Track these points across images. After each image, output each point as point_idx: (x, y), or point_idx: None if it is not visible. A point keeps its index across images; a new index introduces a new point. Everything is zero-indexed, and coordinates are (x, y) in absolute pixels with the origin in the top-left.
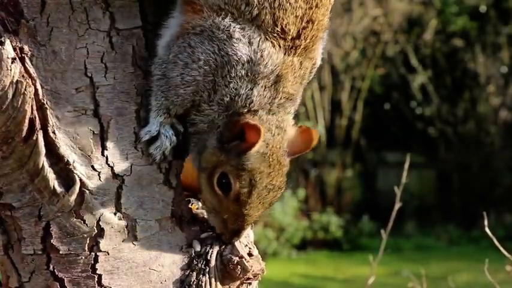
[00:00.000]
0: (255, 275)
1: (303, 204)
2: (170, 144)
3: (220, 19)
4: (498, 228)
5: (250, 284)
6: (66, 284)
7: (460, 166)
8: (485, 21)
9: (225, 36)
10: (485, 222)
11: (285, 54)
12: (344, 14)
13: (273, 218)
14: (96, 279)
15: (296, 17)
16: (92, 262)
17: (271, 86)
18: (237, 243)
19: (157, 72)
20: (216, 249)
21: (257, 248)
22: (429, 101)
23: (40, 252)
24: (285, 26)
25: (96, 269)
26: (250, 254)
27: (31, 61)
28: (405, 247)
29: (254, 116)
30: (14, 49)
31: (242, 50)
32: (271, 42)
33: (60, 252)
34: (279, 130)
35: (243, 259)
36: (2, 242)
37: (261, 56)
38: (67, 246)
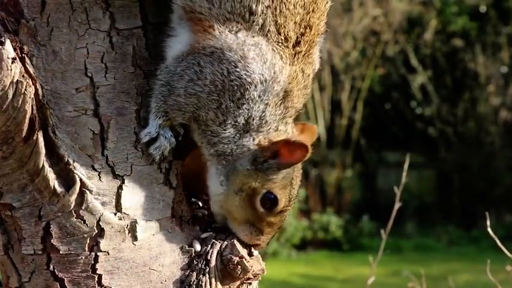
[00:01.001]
0: (255, 275)
1: (303, 204)
2: (170, 145)
3: (233, 36)
4: (498, 228)
5: (250, 284)
6: (66, 284)
7: (460, 166)
8: (485, 21)
9: (238, 57)
10: (488, 223)
11: (290, 64)
12: (344, 14)
13: None
14: (96, 279)
15: (295, 23)
16: (92, 262)
17: (280, 103)
18: (237, 243)
19: (162, 79)
20: (216, 249)
21: None
22: (429, 101)
23: (40, 252)
24: (287, 34)
25: (96, 269)
26: (250, 254)
27: (31, 61)
28: (405, 247)
29: (277, 132)
30: (14, 49)
31: (256, 70)
32: (279, 54)
33: (60, 252)
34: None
35: (243, 259)
36: (2, 242)
37: (274, 73)
38: (67, 246)
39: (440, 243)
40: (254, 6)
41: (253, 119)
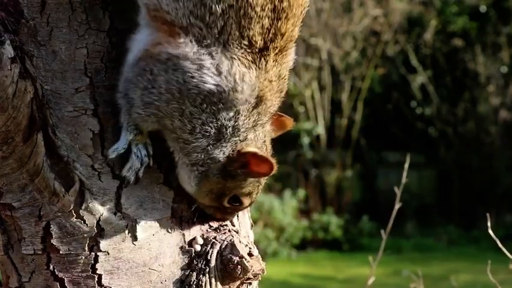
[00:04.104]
0: (255, 275)
1: (303, 204)
2: (141, 165)
3: (192, 44)
4: (498, 228)
5: (250, 284)
6: (66, 284)
7: (460, 166)
8: (485, 21)
9: (196, 67)
10: (488, 224)
11: (257, 69)
12: (344, 14)
13: (273, 218)
14: (96, 279)
15: (262, 27)
16: (92, 262)
17: (252, 110)
18: (237, 243)
19: (121, 90)
20: (216, 249)
21: (257, 248)
22: (429, 101)
23: (40, 252)
24: (252, 38)
25: (96, 269)
26: (250, 254)
27: (31, 61)
28: (405, 247)
29: (245, 141)
30: (14, 49)
31: (211, 81)
32: (241, 61)
33: (60, 252)
34: (267, 136)
35: (243, 259)
36: (2, 242)
37: (234, 82)
38: (67, 246)
39: (440, 243)
40: (214, 6)
41: (225, 128)
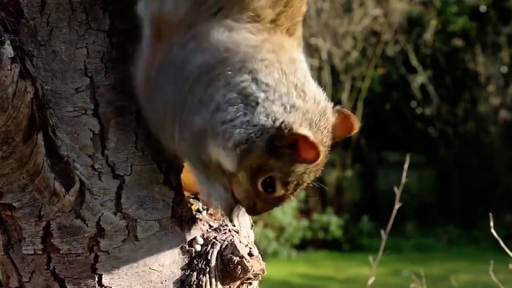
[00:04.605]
0: (255, 275)
1: (303, 204)
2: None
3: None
4: (498, 228)
5: (250, 284)
6: (66, 284)
7: (460, 166)
8: (485, 21)
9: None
10: (491, 223)
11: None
12: (344, 14)
13: (273, 218)
14: (96, 279)
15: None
16: (92, 262)
17: (278, 72)
18: (237, 243)
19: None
20: (216, 249)
21: (257, 248)
22: (429, 101)
23: (40, 252)
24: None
25: (97, 268)
26: (250, 254)
27: (31, 61)
28: (405, 247)
29: (303, 122)
30: (14, 49)
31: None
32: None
33: (61, 252)
34: (324, 122)
35: (244, 259)
36: (2, 242)
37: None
38: (67, 246)
39: (440, 243)
40: None
41: (248, 91)
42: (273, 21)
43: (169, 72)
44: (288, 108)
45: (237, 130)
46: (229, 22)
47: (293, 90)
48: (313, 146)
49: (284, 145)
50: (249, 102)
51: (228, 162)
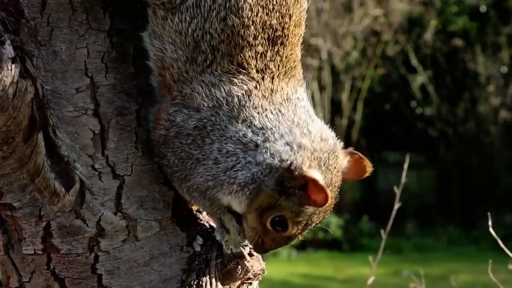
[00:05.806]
0: (255, 275)
1: None
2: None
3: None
4: (498, 228)
5: (250, 284)
6: (66, 284)
7: (460, 166)
8: (485, 21)
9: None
10: (489, 223)
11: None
12: (344, 14)
13: None
14: (96, 279)
15: (257, 52)
16: (93, 262)
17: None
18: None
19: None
20: (216, 249)
21: None
22: (429, 101)
23: (40, 252)
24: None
25: (97, 268)
26: (250, 254)
27: (31, 61)
28: (405, 247)
29: (312, 162)
30: (15, 49)
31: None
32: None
33: (61, 252)
34: (333, 161)
35: (244, 259)
36: (3, 242)
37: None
38: (68, 246)
39: (440, 243)
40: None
41: (246, 136)
42: (262, 70)
43: (169, 142)
44: (295, 148)
45: (240, 172)
46: (214, 78)
47: (296, 129)
48: (322, 190)
49: (293, 186)
50: (248, 147)
51: (236, 204)
